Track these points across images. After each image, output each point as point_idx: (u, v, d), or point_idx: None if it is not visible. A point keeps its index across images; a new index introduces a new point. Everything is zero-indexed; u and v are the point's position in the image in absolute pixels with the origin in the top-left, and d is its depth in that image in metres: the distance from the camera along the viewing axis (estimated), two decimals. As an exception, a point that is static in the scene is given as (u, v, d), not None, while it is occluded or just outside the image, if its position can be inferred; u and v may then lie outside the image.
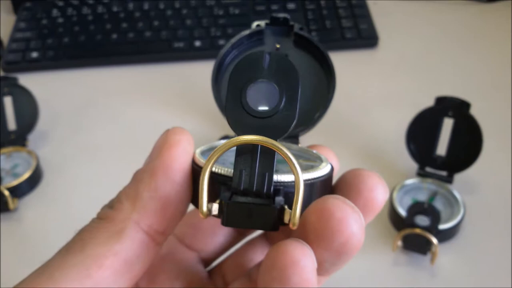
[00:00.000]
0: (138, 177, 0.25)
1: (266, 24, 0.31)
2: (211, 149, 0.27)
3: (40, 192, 0.63)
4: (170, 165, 0.24)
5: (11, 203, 0.59)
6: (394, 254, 0.54)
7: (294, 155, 0.24)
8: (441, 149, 0.58)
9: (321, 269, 0.22)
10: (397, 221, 0.55)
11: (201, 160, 0.25)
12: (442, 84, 0.72)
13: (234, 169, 0.23)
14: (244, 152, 0.23)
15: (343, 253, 0.21)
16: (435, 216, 0.53)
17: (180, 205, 0.25)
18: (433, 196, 0.57)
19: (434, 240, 0.51)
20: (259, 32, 0.31)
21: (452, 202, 0.56)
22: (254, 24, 0.31)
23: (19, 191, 0.61)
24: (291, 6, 0.84)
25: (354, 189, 0.25)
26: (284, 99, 0.25)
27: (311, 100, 0.31)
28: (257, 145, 0.23)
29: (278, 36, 0.31)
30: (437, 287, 0.51)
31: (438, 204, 0.56)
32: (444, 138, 0.58)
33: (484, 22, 0.83)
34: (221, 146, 0.23)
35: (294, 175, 0.22)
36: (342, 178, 0.26)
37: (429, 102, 0.58)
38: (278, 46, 0.32)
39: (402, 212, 0.54)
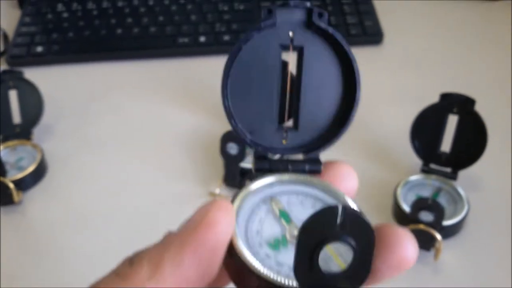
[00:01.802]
0: (166, 243, 0.24)
1: (279, 7, 0.28)
2: (251, 209, 0.28)
3: (44, 186, 0.63)
4: (201, 245, 0.23)
5: (15, 195, 0.59)
6: (397, 250, 0.54)
7: (316, 198, 0.28)
8: (446, 145, 0.58)
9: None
10: (401, 217, 0.55)
11: (246, 257, 0.25)
12: (446, 81, 0.72)
13: None
14: None
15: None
16: (439, 212, 0.52)
17: (201, 284, 0.24)
18: (437, 192, 0.57)
19: (438, 236, 0.51)
20: (269, 19, 0.28)
21: (456, 198, 0.56)
22: (264, 10, 0.28)
23: (23, 184, 0.61)
24: (296, 2, 0.83)
25: (388, 247, 0.25)
26: (357, 259, 0.23)
27: (329, 112, 0.29)
28: None
29: (293, 23, 0.28)
30: (441, 282, 0.51)
31: (442, 200, 0.56)
32: (448, 135, 0.58)
33: (488, 20, 0.83)
34: None
35: None
36: (380, 232, 0.26)
37: (434, 98, 0.58)
38: (291, 34, 0.29)
39: (406, 208, 0.54)
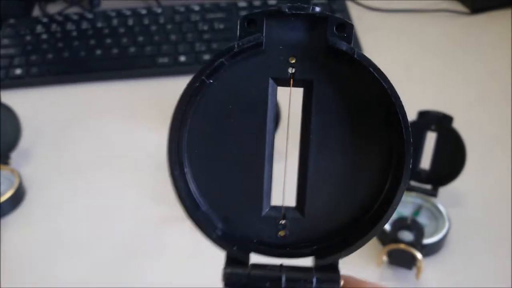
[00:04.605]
0: None
1: (267, 16, 0.17)
2: None
3: (23, 211, 0.62)
4: None
5: (-8, 223, 0.58)
6: (379, 269, 0.54)
7: None
8: (425, 162, 0.58)
9: None
10: (382, 236, 0.55)
11: None
12: (425, 97, 0.72)
13: None
14: None
15: None
16: (419, 231, 0.52)
17: None
18: (418, 210, 0.57)
19: (419, 255, 0.51)
20: (252, 37, 0.17)
21: (437, 215, 0.56)
22: (242, 20, 0.18)
23: (1, 210, 0.60)
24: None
25: None
26: None
27: (357, 187, 0.18)
28: None
29: (294, 41, 0.18)
30: (423, 302, 0.51)
31: (423, 218, 0.56)
32: (427, 152, 0.58)
33: (468, 34, 0.84)
34: None
35: None
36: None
37: (412, 115, 0.58)
38: (292, 61, 0.18)
39: (387, 226, 0.54)
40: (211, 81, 0.18)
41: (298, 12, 0.18)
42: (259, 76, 0.18)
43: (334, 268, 0.18)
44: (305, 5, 0.18)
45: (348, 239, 0.18)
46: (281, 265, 0.18)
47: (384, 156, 0.18)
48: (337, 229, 0.18)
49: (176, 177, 0.19)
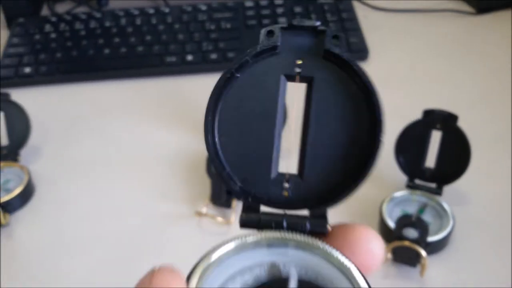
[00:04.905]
0: None
1: (282, 28, 0.24)
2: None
3: (32, 207, 0.63)
4: None
5: (2, 218, 0.59)
6: (383, 266, 0.54)
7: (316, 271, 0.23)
8: (430, 161, 0.58)
9: None
10: (386, 233, 0.55)
11: None
12: (431, 96, 0.73)
13: None
14: None
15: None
16: (424, 229, 0.53)
17: None
18: (422, 208, 0.57)
19: (423, 253, 0.51)
20: (270, 43, 0.24)
21: (441, 214, 0.57)
22: (263, 31, 0.24)
23: (10, 207, 0.61)
24: (282, 21, 0.84)
25: (352, 244, 0.24)
26: None
27: (343, 158, 0.24)
28: None
29: (300, 47, 0.24)
30: (427, 299, 0.52)
31: (428, 216, 0.56)
32: (432, 151, 0.58)
33: (473, 34, 0.84)
34: None
35: None
36: (336, 233, 0.24)
37: (418, 114, 0.58)
38: (299, 62, 0.24)
39: (392, 224, 0.54)
40: (238, 74, 0.24)
41: (305, 25, 0.24)
42: (274, 73, 0.24)
43: (324, 217, 0.24)
44: (310, 20, 0.24)
45: (336, 196, 0.24)
46: (284, 213, 0.24)
47: (367, 133, 0.24)
48: (329, 190, 0.24)
49: (209, 143, 0.24)
